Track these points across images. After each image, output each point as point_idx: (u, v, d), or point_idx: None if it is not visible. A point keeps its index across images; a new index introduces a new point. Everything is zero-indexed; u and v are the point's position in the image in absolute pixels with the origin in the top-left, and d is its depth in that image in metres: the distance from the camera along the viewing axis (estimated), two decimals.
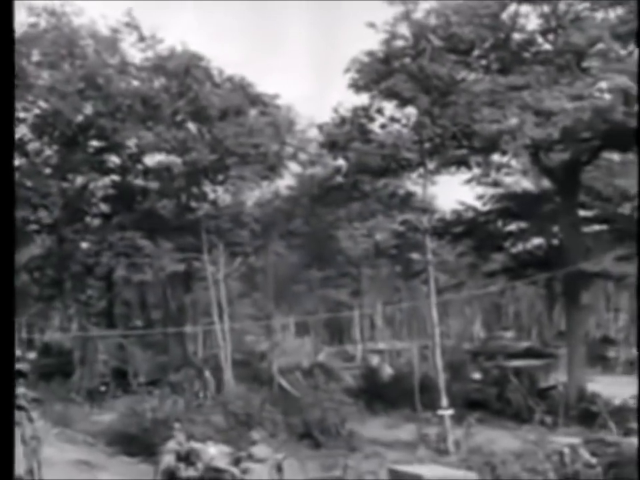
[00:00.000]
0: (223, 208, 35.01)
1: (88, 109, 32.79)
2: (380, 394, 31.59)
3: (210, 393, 30.24)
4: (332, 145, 29.47)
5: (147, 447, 21.85)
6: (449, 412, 24.55)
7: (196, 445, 19.13)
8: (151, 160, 34.97)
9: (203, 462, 18.48)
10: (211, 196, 34.45)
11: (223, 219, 34.20)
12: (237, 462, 18.14)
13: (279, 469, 17.65)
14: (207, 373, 32.07)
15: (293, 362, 36.67)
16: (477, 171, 30.48)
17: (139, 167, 35.60)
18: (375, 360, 42.25)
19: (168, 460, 18.54)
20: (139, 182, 35.98)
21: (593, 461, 19.32)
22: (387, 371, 37.63)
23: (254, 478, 17.20)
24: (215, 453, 18.72)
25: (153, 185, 35.33)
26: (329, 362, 40.16)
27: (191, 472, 18.29)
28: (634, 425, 20.17)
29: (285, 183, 38.44)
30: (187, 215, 34.41)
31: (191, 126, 32.99)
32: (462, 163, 29.01)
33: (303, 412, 25.93)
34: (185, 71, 31.59)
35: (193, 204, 34.52)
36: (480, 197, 34.87)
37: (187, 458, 18.53)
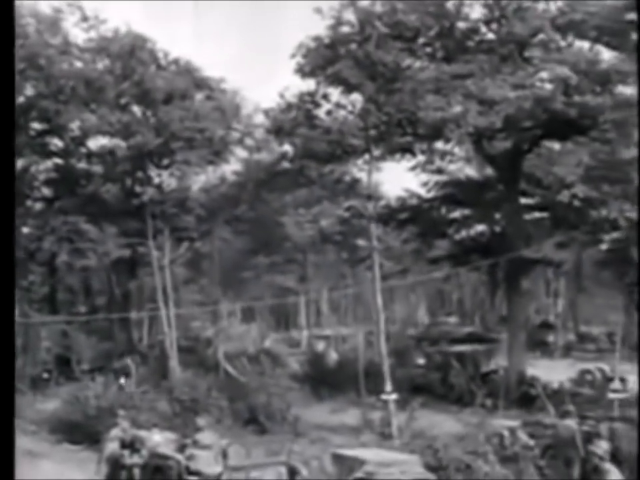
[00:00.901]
0: (168, 193, 34.70)
1: (29, 90, 32.08)
2: (325, 379, 31.81)
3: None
4: (278, 131, 29.41)
5: (91, 435, 21.68)
6: (393, 397, 24.82)
7: (140, 432, 19.04)
8: (95, 143, 34.44)
9: (148, 449, 18.39)
10: (156, 180, 34.12)
11: (168, 203, 33.92)
12: (182, 448, 18.10)
13: (224, 455, 17.69)
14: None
15: (239, 348, 36.63)
16: (421, 158, 30.73)
17: (82, 150, 35.00)
18: (320, 346, 42.46)
19: (112, 447, 18.39)
20: (82, 165, 35.37)
21: (531, 442, 19.78)
22: (333, 356, 37.86)
23: (199, 464, 17.21)
24: (159, 439, 18.64)
25: (97, 168, 34.80)
26: (275, 348, 40.23)
27: (135, 459, 18.18)
28: (570, 408, 20.69)
29: (231, 168, 38.33)
30: (132, 199, 34.03)
31: (136, 109, 32.58)
32: (407, 150, 29.24)
33: (249, 398, 26.00)
34: (129, 53, 31.17)
35: (138, 188, 34.14)
36: (424, 184, 35.19)
37: (131, 445, 18.42)
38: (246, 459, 18.04)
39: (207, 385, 27.03)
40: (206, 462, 17.19)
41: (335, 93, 28.03)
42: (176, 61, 33.09)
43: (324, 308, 54.67)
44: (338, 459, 17.47)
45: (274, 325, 56.80)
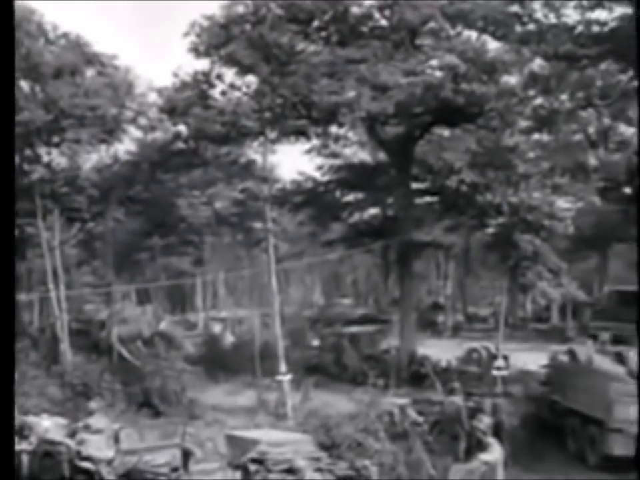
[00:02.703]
0: (59, 172, 33.65)
1: None
2: (221, 361, 31.82)
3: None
4: (172, 110, 28.95)
5: None
6: (288, 377, 25.12)
7: (29, 418, 18.67)
8: None
9: (37, 435, 18.09)
10: (45, 159, 33.00)
11: (58, 183, 32.89)
12: (72, 434, 17.89)
13: (117, 439, 17.57)
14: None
15: (133, 331, 36.07)
16: (316, 141, 31.04)
17: None
18: (216, 328, 42.35)
19: None
20: None
21: (420, 419, 20.52)
22: (229, 338, 37.89)
23: (90, 449, 17.05)
24: (49, 425, 18.35)
25: None
26: (171, 330, 39.80)
27: (24, 445, 17.85)
28: (457, 385, 21.54)
29: (125, 147, 37.54)
30: (20, 178, 32.87)
31: (23, 84, 31.41)
32: (301, 133, 29.33)
33: (143, 381, 25.78)
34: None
35: (26, 167, 32.99)
36: (319, 168, 35.64)
37: (20, 432, 18.06)
38: (139, 443, 17.92)
39: (99, 368, 26.64)
40: (97, 446, 17.06)
41: (230, 74, 27.88)
42: (65, 35, 32.01)
43: (220, 290, 54.50)
44: (231, 440, 17.65)
45: (170, 307, 56.16)
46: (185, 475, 16.80)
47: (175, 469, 16.79)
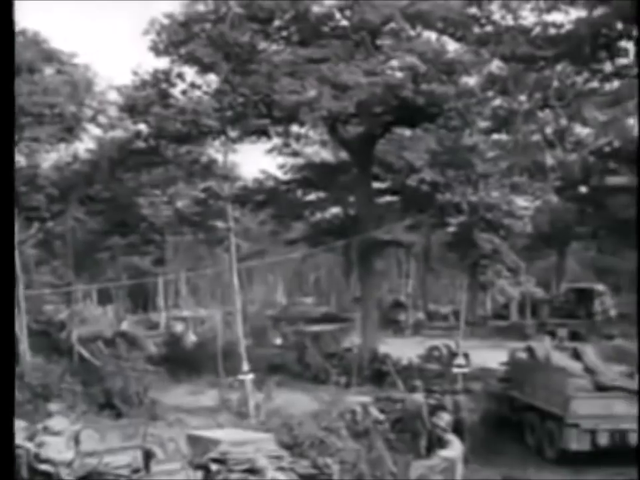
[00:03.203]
0: (17, 170, 33.21)
1: None
2: (184, 361, 31.66)
3: None
4: (131, 109, 28.79)
5: None
6: (250, 377, 25.08)
7: None
8: None
9: None
10: None
11: (16, 182, 32.48)
12: (32, 436, 17.69)
13: (77, 440, 17.41)
14: None
15: (94, 331, 35.82)
16: (277, 140, 31.05)
17: None
18: (178, 327, 42.13)
19: None
20: None
21: (381, 417, 20.66)
22: (191, 338, 37.73)
23: (49, 451, 16.87)
24: None
25: None
26: (132, 330, 39.58)
27: None
28: (418, 383, 21.73)
29: (85, 146, 37.19)
30: None
31: None
32: (263, 132, 29.39)
33: (104, 381, 25.55)
34: None
35: None
36: (281, 167, 35.68)
37: None
38: (100, 444, 17.77)
39: (60, 369, 26.33)
40: (56, 449, 16.89)
41: (190, 72, 27.82)
42: (23, 32, 31.62)
43: (182, 289, 54.27)
44: (193, 439, 17.59)
45: (131, 307, 55.80)
46: (146, 476, 16.69)
47: (136, 470, 16.68)
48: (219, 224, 37.86)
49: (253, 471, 15.37)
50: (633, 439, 18.24)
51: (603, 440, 18.22)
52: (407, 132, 32.54)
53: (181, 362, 31.43)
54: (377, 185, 33.04)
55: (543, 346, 21.52)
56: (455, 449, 16.66)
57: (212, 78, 27.46)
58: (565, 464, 18.46)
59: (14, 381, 7.98)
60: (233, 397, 25.28)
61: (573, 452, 18.46)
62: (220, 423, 22.15)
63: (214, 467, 15.69)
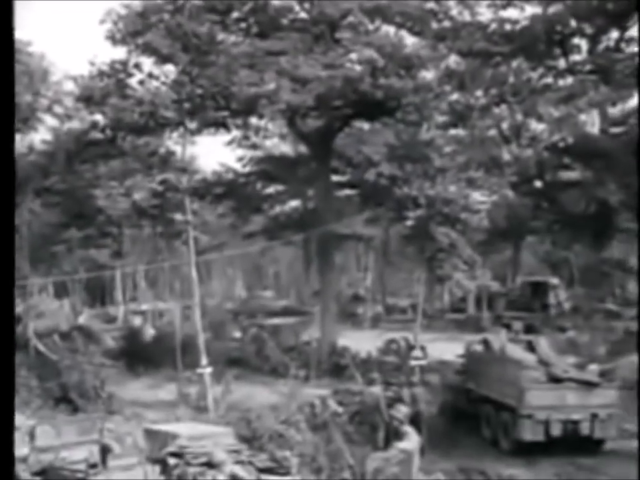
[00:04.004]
0: None
1: None
2: (142, 355, 31.47)
3: None
4: (88, 99, 28.38)
5: None
6: (208, 370, 25.04)
7: None
8: None
9: None
10: None
11: None
12: None
13: (32, 436, 17.20)
14: None
15: (50, 325, 35.21)
16: (236, 133, 30.91)
17: None
18: (137, 321, 41.83)
19: None
20: None
21: (340, 410, 20.78)
22: (149, 331, 37.46)
23: None
24: None
25: None
26: (90, 324, 39.10)
27: None
28: (376, 375, 21.91)
29: (40, 136, 36.66)
30: None
31: None
32: (221, 124, 29.24)
33: (61, 376, 25.29)
34: None
35: None
36: (240, 159, 35.52)
37: None
38: (56, 439, 17.58)
39: (15, 364, 25.96)
40: None
41: (148, 63, 27.50)
42: None
43: (140, 283, 53.82)
44: (150, 434, 17.48)
45: (88, 300, 55.12)
46: (103, 471, 16.59)
47: (92, 466, 16.54)
48: (178, 217, 37.59)
49: (211, 464, 15.35)
50: (584, 429, 18.64)
51: (556, 430, 18.57)
52: (366, 126, 32.66)
53: (139, 356, 31.23)
54: (336, 178, 33.12)
55: (498, 338, 21.78)
56: (411, 440, 16.82)
57: (170, 69, 27.22)
58: (519, 454, 18.79)
59: (14, 381, 7.89)
60: (192, 391, 25.19)
61: (527, 443, 18.77)
62: (178, 416, 22.07)
63: (172, 461, 15.63)
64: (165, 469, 15.64)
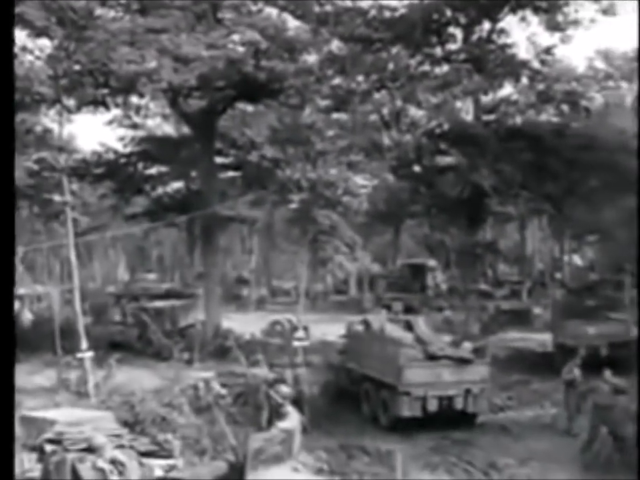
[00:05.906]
0: None
1: None
2: (19, 340, 30.11)
3: None
4: None
5: None
6: (89, 354, 24.54)
7: None
8: None
9: None
10: None
11: None
12: None
13: None
14: None
15: None
16: (117, 112, 30.23)
17: None
18: (14, 306, 40.47)
19: None
20: None
21: (223, 391, 20.83)
22: (27, 316, 36.40)
23: None
24: None
25: None
26: None
27: None
28: (260, 357, 22.07)
29: None
30: None
31: None
32: (101, 102, 28.47)
33: None
34: None
35: None
36: (121, 139, 34.74)
37: None
38: None
39: None
40: None
41: (21, 36, 26.36)
42: None
43: (18, 266, 51.88)
44: (27, 421, 17.02)
45: None
46: None
47: None
48: (56, 198, 36.41)
49: (90, 450, 15.11)
50: (458, 404, 19.40)
51: (432, 406, 19.21)
52: (250, 108, 32.57)
53: (17, 341, 30.19)
54: (219, 160, 32.87)
55: (378, 319, 22.28)
56: (292, 420, 17.04)
57: (45, 43, 26.19)
58: (397, 430, 19.35)
59: (13, 382, 7.59)
60: (72, 376, 24.64)
61: (405, 418, 19.36)
62: (58, 402, 21.60)
63: (49, 447, 15.28)
64: (43, 456, 15.30)
